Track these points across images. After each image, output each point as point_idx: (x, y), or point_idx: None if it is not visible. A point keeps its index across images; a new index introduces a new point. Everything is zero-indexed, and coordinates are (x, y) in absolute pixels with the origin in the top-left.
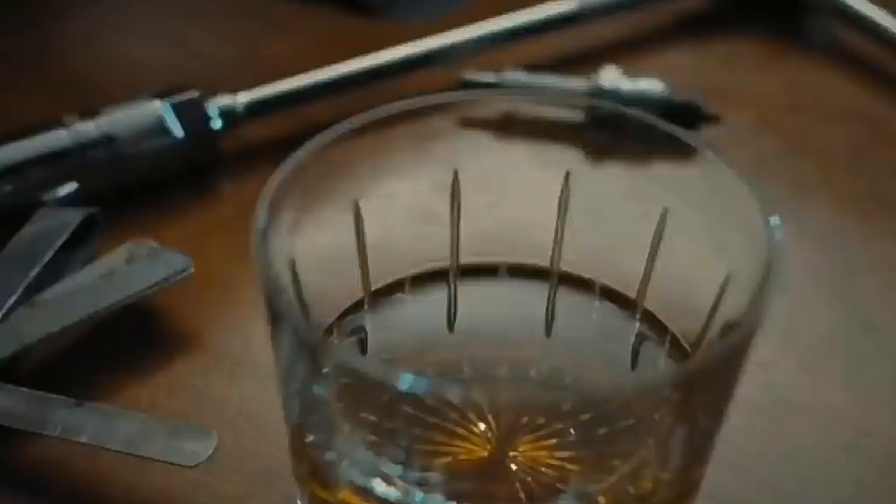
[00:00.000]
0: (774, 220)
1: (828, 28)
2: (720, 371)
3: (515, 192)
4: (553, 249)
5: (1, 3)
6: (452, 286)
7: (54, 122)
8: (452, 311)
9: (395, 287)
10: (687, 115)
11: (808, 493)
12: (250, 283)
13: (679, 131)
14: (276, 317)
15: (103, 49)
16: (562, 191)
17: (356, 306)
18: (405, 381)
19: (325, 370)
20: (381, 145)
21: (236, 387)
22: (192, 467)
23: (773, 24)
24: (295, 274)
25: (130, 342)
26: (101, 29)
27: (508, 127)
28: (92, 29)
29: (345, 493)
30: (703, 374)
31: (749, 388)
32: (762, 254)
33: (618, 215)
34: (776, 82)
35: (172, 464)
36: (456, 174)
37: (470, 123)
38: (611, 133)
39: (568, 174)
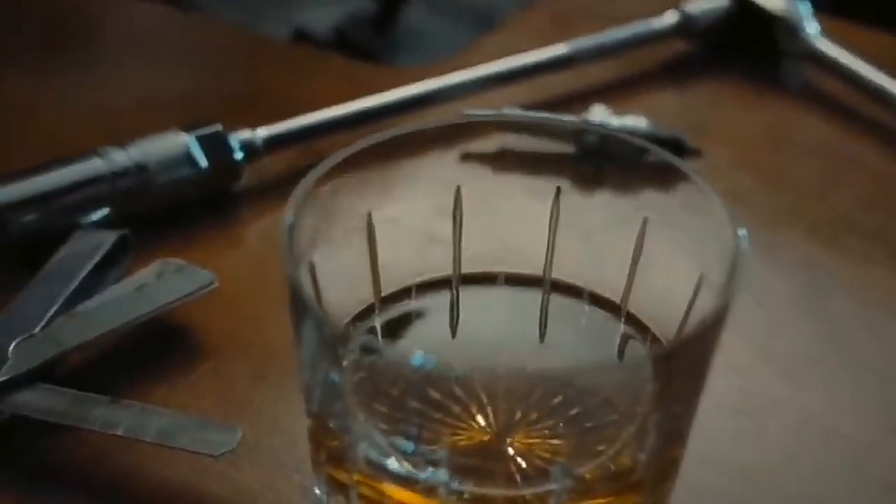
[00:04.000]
0: (742, 231)
1: (801, 71)
2: (689, 354)
3: (511, 211)
4: (545, 261)
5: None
6: (455, 293)
7: (90, 152)
8: (455, 315)
9: (403, 294)
10: (670, 149)
11: (783, 485)
12: (269, 299)
13: (661, 151)
14: (300, 311)
15: (137, 88)
16: (553, 207)
17: (368, 310)
18: (417, 358)
19: (344, 363)
20: (391, 172)
21: (256, 390)
22: (217, 457)
23: (751, 67)
24: (314, 277)
25: (160, 349)
26: (138, 70)
27: (504, 158)
28: (128, 72)
29: (360, 475)
30: (677, 356)
31: (729, 392)
32: (730, 259)
33: (603, 228)
34: (753, 121)
35: (200, 454)
36: (458, 190)
37: (469, 157)
38: (598, 159)
39: (559, 191)
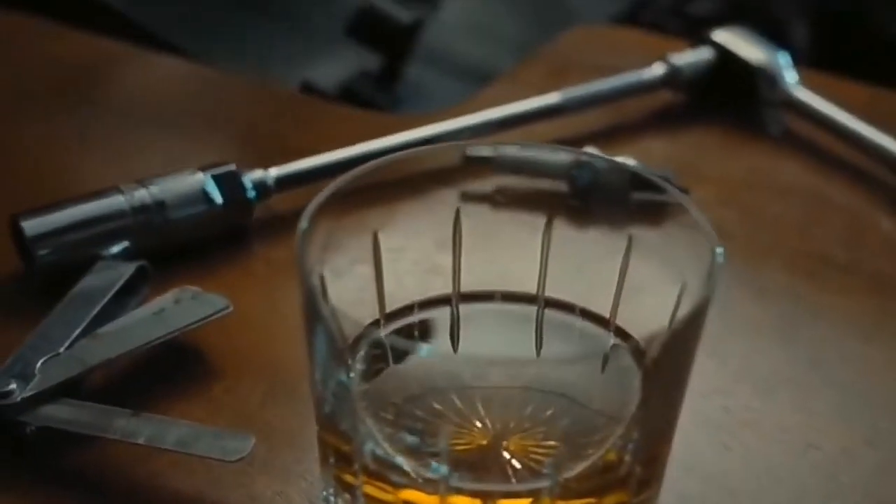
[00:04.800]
0: (719, 248)
1: (781, 118)
2: (670, 353)
3: (506, 238)
4: (539, 281)
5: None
6: (455, 310)
7: (113, 189)
8: (455, 329)
9: (406, 310)
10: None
11: (762, 495)
12: (279, 324)
13: (647, 171)
14: (313, 317)
15: (155, 133)
16: (544, 234)
17: (374, 324)
18: (423, 350)
19: (350, 374)
20: (395, 197)
21: (267, 407)
22: (233, 462)
23: (734, 115)
24: (324, 289)
25: (177, 370)
26: (156, 117)
27: (502, 195)
28: (147, 118)
29: (365, 475)
30: (660, 354)
31: (712, 409)
32: (708, 271)
33: (592, 250)
34: (737, 164)
35: (216, 459)
36: (458, 212)
37: (469, 196)
38: (588, 194)
39: (550, 219)
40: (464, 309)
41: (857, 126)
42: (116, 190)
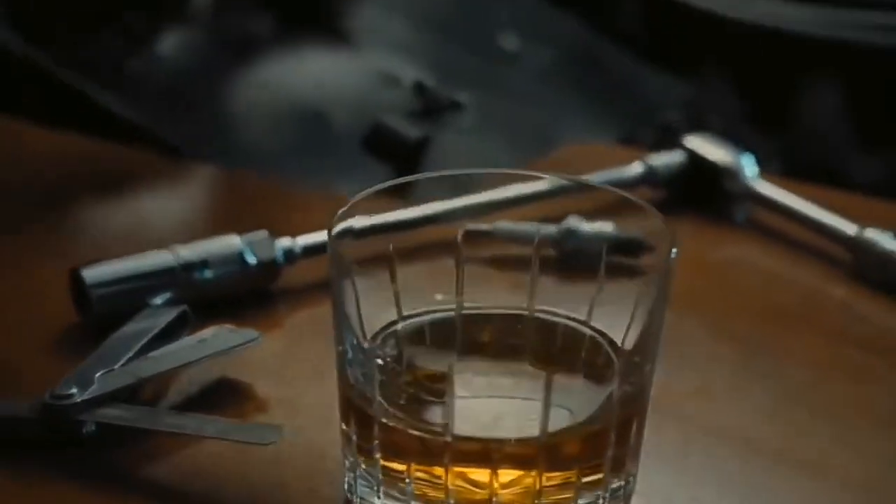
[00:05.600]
0: (675, 251)
1: (744, 208)
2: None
3: (502, 277)
4: (528, 299)
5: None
6: (459, 319)
7: (162, 248)
8: (459, 332)
9: (420, 314)
10: (631, 246)
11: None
12: (300, 365)
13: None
14: (340, 313)
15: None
16: (532, 278)
17: (391, 324)
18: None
19: (367, 371)
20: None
21: (291, 419)
22: (267, 444)
23: (705, 206)
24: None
25: (214, 387)
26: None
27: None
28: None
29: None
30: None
31: (687, 426)
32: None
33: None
34: (707, 247)
35: (254, 443)
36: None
37: (471, 260)
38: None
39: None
40: (466, 317)
41: (812, 210)
42: (165, 248)
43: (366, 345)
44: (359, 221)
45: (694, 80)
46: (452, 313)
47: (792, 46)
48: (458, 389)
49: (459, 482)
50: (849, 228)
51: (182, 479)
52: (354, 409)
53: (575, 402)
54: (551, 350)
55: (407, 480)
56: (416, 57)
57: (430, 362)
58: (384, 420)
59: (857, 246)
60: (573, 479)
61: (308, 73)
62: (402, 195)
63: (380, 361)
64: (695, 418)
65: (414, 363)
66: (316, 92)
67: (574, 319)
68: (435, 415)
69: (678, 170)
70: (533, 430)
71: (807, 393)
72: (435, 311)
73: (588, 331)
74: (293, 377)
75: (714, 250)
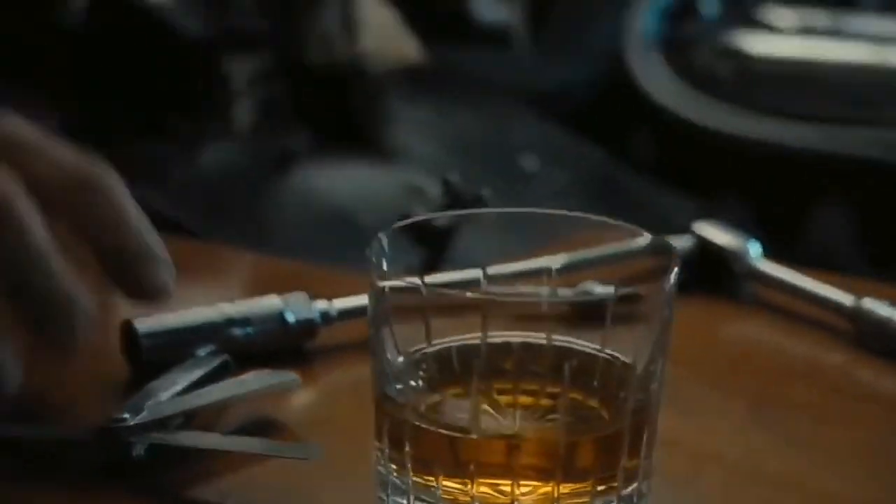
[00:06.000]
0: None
1: (750, 288)
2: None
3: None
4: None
5: None
6: (484, 347)
7: (209, 306)
8: (483, 356)
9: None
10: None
11: None
12: (335, 416)
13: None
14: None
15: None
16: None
17: (421, 348)
18: None
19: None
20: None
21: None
22: (309, 460)
23: (713, 287)
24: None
25: (251, 428)
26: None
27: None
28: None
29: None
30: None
31: (696, 459)
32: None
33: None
34: (715, 324)
35: (297, 458)
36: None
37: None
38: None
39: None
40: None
41: (813, 286)
42: (211, 306)
43: (400, 358)
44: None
45: (706, 199)
46: (478, 341)
47: (799, 164)
48: (482, 400)
49: (484, 489)
50: (847, 300)
51: (224, 499)
52: (388, 416)
53: (592, 413)
54: (569, 368)
55: (435, 487)
56: (443, 173)
57: (457, 377)
58: (416, 422)
59: (856, 315)
60: (588, 488)
61: (340, 183)
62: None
63: (412, 381)
64: (703, 453)
65: (441, 379)
66: (348, 198)
67: (589, 346)
68: (462, 418)
69: (688, 253)
70: (553, 431)
71: (808, 436)
72: (461, 340)
73: (602, 354)
74: (324, 420)
75: (722, 326)
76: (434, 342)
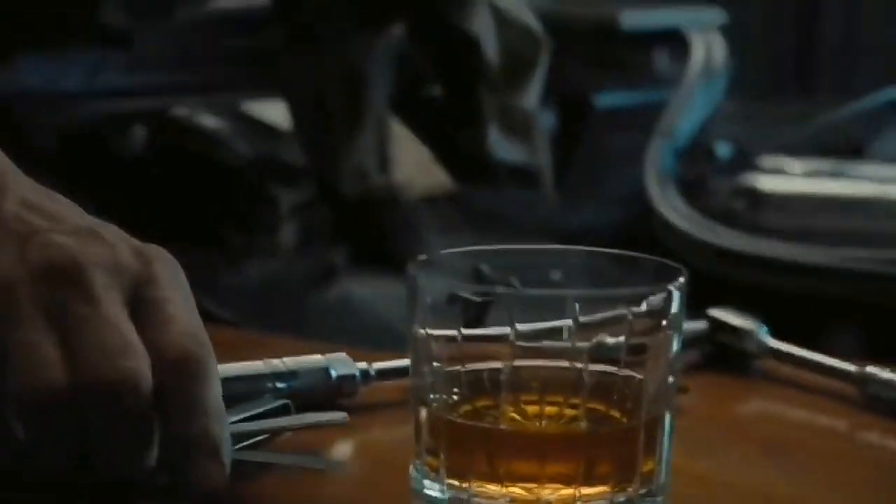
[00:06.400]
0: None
1: (760, 365)
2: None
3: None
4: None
5: None
6: (510, 368)
7: (259, 361)
8: (511, 374)
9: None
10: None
11: None
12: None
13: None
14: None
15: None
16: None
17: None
18: None
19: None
20: None
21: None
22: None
23: (726, 364)
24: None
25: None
26: None
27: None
28: None
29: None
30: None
31: (711, 486)
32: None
33: None
34: (730, 399)
35: (316, 469)
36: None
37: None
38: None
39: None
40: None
41: (821, 358)
42: (261, 362)
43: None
44: None
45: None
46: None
47: (808, 280)
48: (510, 410)
49: (513, 488)
50: (852, 367)
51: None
52: (428, 415)
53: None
54: (590, 385)
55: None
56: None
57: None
58: (450, 417)
59: (860, 379)
60: (608, 490)
61: (378, 294)
62: None
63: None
64: (718, 483)
65: (473, 393)
66: (383, 308)
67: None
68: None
69: (701, 334)
70: (576, 428)
71: (820, 476)
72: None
73: (620, 373)
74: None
75: (736, 396)
76: (467, 366)
